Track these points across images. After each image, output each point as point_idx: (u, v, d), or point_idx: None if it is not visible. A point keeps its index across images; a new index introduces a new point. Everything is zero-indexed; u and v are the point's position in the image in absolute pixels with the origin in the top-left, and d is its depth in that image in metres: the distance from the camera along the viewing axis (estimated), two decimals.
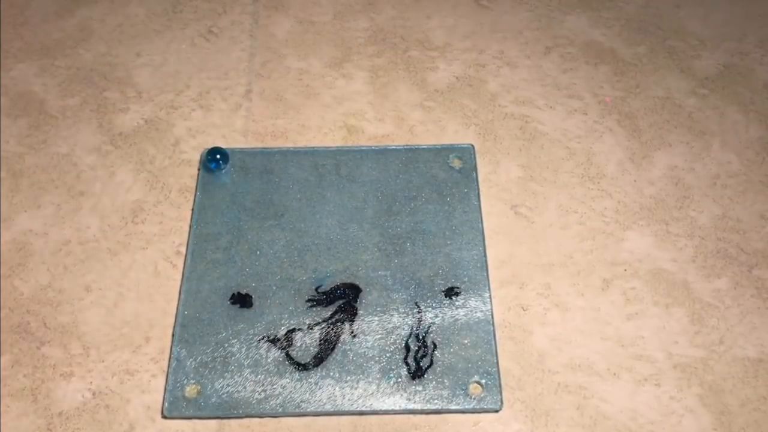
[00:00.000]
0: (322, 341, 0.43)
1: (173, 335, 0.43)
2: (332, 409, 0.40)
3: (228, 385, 0.41)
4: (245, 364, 0.41)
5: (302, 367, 0.42)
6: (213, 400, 0.40)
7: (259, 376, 0.41)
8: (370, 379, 0.41)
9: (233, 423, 0.40)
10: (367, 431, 0.40)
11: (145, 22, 0.60)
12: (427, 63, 0.57)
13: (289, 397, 0.40)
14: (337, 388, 0.41)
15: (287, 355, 0.42)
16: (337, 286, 0.45)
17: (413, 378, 0.41)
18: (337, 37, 0.59)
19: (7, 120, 0.53)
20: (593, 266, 0.46)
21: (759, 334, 0.44)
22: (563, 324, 0.44)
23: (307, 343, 0.42)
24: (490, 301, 0.44)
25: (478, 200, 0.49)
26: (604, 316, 0.44)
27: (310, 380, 0.41)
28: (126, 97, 0.55)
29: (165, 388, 0.41)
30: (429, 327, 0.43)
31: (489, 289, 0.45)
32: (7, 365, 0.42)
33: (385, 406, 0.40)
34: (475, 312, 0.44)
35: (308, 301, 0.44)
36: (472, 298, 0.44)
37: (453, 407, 0.40)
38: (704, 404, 0.41)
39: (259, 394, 0.40)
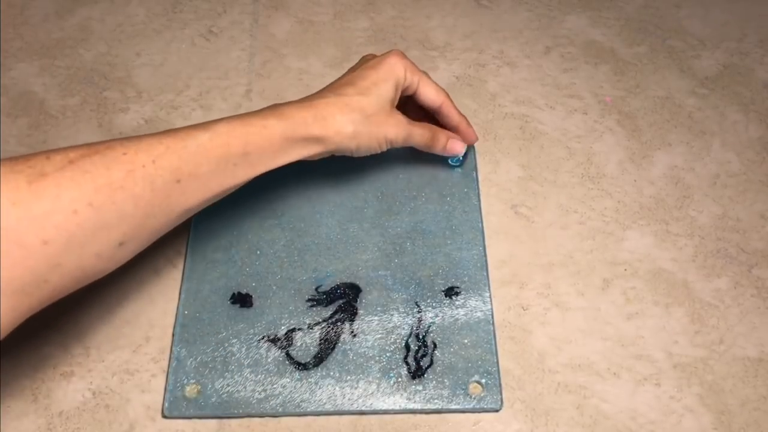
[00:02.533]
0: (322, 341, 0.43)
1: (173, 335, 0.43)
2: (332, 409, 0.40)
3: (228, 385, 0.41)
4: (245, 363, 0.41)
5: (302, 366, 0.42)
6: (213, 399, 0.40)
7: (259, 376, 0.41)
8: (370, 379, 0.41)
9: (233, 423, 0.40)
10: (367, 431, 0.40)
11: (145, 22, 0.60)
12: (427, 63, 0.57)
13: (289, 396, 0.40)
14: (337, 388, 0.41)
15: (287, 354, 0.42)
16: (337, 285, 0.45)
17: (413, 378, 0.41)
18: (337, 37, 0.59)
19: (7, 120, 0.53)
20: (593, 266, 0.46)
21: (759, 334, 0.44)
22: (563, 324, 0.44)
23: (307, 342, 0.42)
24: (490, 301, 0.44)
25: (478, 200, 0.49)
26: (604, 316, 0.44)
27: (310, 380, 0.41)
28: (126, 97, 0.55)
29: (165, 388, 0.41)
30: (429, 327, 0.43)
31: (489, 289, 0.45)
32: (7, 365, 0.42)
33: (385, 406, 0.40)
34: (475, 312, 0.44)
35: (308, 300, 0.44)
36: (472, 298, 0.44)
37: (453, 407, 0.40)
38: (704, 404, 0.41)
39: (259, 393, 0.40)
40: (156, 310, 0.44)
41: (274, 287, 0.45)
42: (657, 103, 0.55)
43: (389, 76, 0.43)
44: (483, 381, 0.41)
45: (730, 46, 0.59)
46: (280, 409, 0.40)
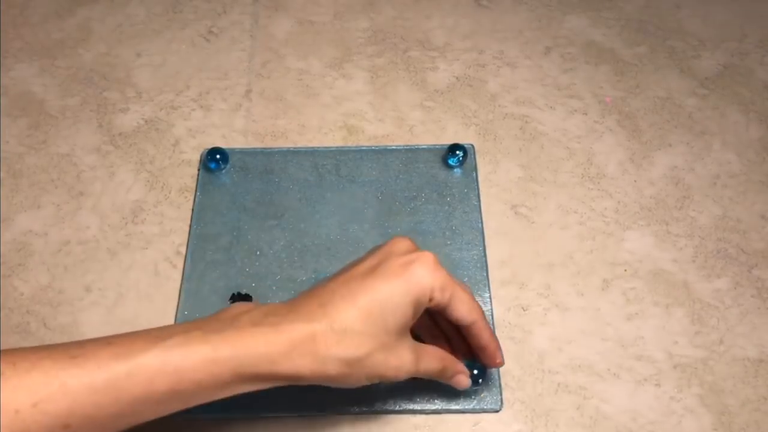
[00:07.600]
0: None
1: None
2: (332, 409, 0.40)
3: None
4: None
5: None
6: None
7: None
8: None
9: (233, 423, 0.40)
10: (367, 431, 0.40)
11: (145, 22, 0.60)
12: (427, 63, 0.57)
13: (289, 397, 0.40)
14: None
15: None
16: None
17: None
18: (337, 37, 0.59)
19: (7, 120, 0.53)
20: (593, 266, 0.46)
21: (759, 334, 0.44)
22: (563, 324, 0.44)
23: None
24: (490, 301, 0.44)
25: (478, 200, 0.49)
26: (604, 317, 0.44)
27: None
28: (126, 97, 0.55)
29: None
30: None
31: (489, 289, 0.45)
32: None
33: (385, 406, 0.40)
34: None
35: None
36: None
37: (453, 407, 0.40)
38: (704, 404, 0.41)
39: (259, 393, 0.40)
40: (156, 310, 0.44)
41: (274, 288, 0.45)
42: (657, 103, 0.55)
43: (407, 297, 0.32)
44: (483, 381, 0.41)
45: (730, 46, 0.59)
46: (281, 410, 0.40)
